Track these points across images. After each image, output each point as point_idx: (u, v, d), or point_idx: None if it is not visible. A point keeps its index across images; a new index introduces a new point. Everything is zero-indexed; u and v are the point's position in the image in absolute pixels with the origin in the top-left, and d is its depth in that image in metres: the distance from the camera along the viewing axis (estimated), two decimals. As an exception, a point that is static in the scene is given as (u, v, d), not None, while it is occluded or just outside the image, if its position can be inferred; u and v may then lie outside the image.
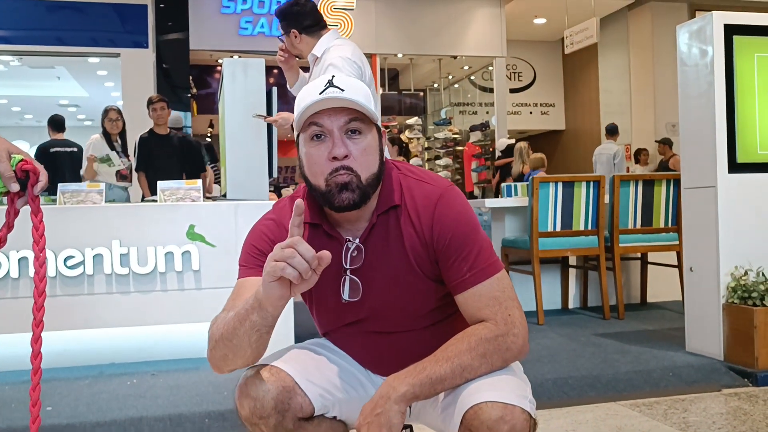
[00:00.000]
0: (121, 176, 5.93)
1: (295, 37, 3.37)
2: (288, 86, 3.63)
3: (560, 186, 4.42)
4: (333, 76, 1.48)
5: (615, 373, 3.15)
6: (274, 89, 4.33)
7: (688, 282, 3.57)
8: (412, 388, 1.43)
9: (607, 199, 4.55)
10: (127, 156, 6.02)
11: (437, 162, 11.43)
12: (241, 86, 4.11)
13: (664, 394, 3.05)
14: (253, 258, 1.60)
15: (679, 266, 4.64)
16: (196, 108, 10.73)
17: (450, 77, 12.71)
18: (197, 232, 3.50)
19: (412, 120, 11.46)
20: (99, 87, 12.52)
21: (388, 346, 1.62)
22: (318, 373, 1.60)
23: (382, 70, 10.52)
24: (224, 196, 4.37)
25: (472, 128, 11.44)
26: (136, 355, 3.60)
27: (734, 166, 3.35)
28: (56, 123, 7.03)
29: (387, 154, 1.65)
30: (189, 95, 9.16)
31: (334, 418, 1.62)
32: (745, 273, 3.29)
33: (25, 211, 1.32)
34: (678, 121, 3.66)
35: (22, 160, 1.27)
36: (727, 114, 3.34)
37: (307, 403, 1.55)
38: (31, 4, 8.45)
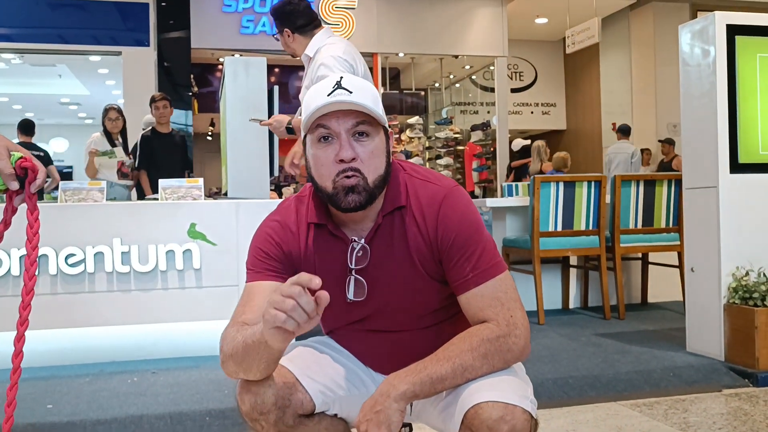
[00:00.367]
0: (123, 174, 5.92)
1: (288, 36, 3.37)
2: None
3: (561, 186, 4.42)
4: (342, 77, 1.48)
5: (615, 373, 3.14)
6: (276, 88, 4.32)
7: (689, 282, 3.57)
8: (413, 386, 1.43)
9: (608, 199, 4.55)
10: (129, 154, 6.02)
11: (438, 161, 11.42)
12: (242, 85, 4.11)
13: (664, 395, 3.05)
14: (259, 261, 1.60)
15: (680, 266, 4.64)
16: (197, 106, 10.73)
17: (451, 76, 12.71)
18: (198, 230, 3.51)
19: (413, 119, 11.45)
20: (100, 85, 12.52)
21: (390, 344, 1.62)
22: (319, 370, 1.60)
23: (383, 69, 10.52)
24: (225, 194, 4.37)
25: (473, 128, 11.43)
26: (137, 353, 3.60)
27: (736, 167, 3.34)
28: (25, 127, 7.18)
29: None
30: (190, 94, 9.17)
31: (335, 415, 1.63)
32: (746, 273, 3.28)
33: (24, 208, 1.32)
34: (679, 121, 3.66)
35: (21, 157, 1.28)
36: (729, 114, 3.34)
37: (308, 399, 1.55)
38: (32, 2, 8.45)
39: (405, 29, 10.03)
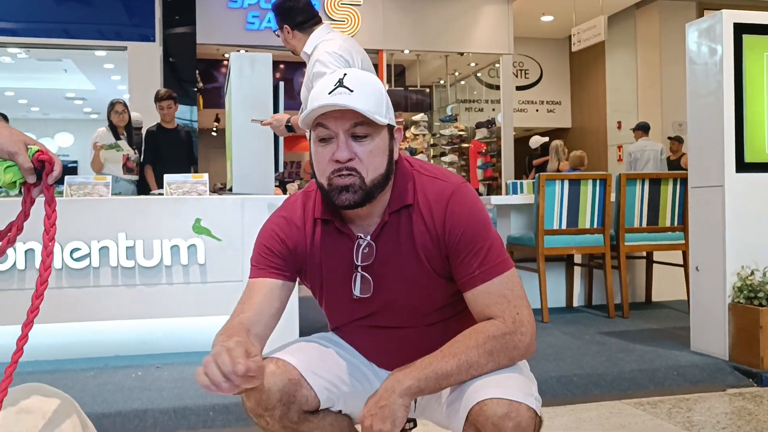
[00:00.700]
0: (128, 169, 5.93)
1: (288, 32, 3.37)
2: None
3: (566, 184, 4.41)
4: (345, 75, 1.47)
5: (619, 371, 3.14)
6: (281, 84, 4.32)
7: (694, 281, 3.57)
8: (418, 382, 1.44)
9: (613, 197, 4.55)
10: (134, 149, 6.03)
11: (442, 159, 11.41)
12: (247, 81, 4.11)
13: (668, 393, 3.05)
14: (263, 258, 1.61)
15: (685, 265, 4.63)
16: (203, 102, 10.75)
17: (456, 74, 12.69)
18: (203, 225, 3.51)
19: (418, 116, 11.44)
20: (106, 80, 12.53)
21: (396, 341, 1.62)
22: (324, 366, 1.61)
23: (388, 66, 10.51)
24: (230, 190, 4.37)
25: (478, 125, 11.42)
26: (141, 348, 3.61)
27: (742, 166, 3.33)
28: None
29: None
30: (195, 89, 9.17)
31: (339, 411, 1.63)
32: (752, 273, 3.28)
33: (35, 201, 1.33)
34: (685, 120, 3.65)
35: (38, 150, 1.29)
36: (735, 113, 3.33)
37: (313, 396, 1.56)
38: (38, -4, 8.46)
39: (410, 26, 10.02)
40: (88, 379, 3.10)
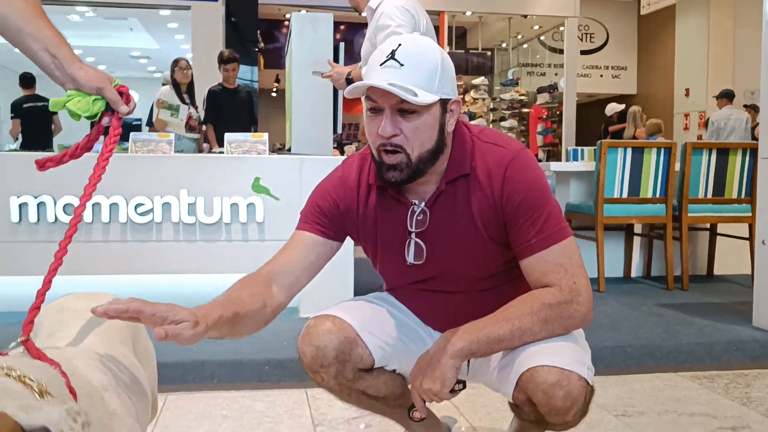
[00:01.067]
0: (190, 128, 6.04)
1: None
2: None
3: (629, 151, 4.30)
4: (399, 45, 1.44)
5: (676, 344, 3.09)
6: (341, 45, 4.31)
7: (759, 255, 3.46)
8: (469, 344, 1.44)
9: (677, 166, 4.42)
10: (196, 108, 6.13)
11: (502, 124, 11.26)
12: (308, 41, 4.11)
13: (726, 368, 2.98)
14: (312, 214, 1.63)
15: (751, 239, 4.49)
16: (263, 62, 10.79)
17: (519, 37, 12.43)
18: (262, 184, 3.56)
19: (479, 80, 11.27)
20: (169, 39, 12.72)
21: (451, 305, 1.63)
22: (379, 326, 1.63)
23: (449, 27, 10.35)
24: (289, 150, 4.41)
25: (540, 90, 11.20)
26: (201, 302, 3.70)
27: (817, 137, 3.19)
28: (26, 80, 7.64)
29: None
30: (256, 49, 9.22)
31: (393, 371, 1.65)
32: (822, 248, 3.16)
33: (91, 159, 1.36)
34: (758, 88, 3.50)
35: (117, 83, 1.35)
36: (812, 81, 3.18)
37: (368, 354, 1.58)
38: (106, -45, 8.60)
39: (473, -13, 9.83)
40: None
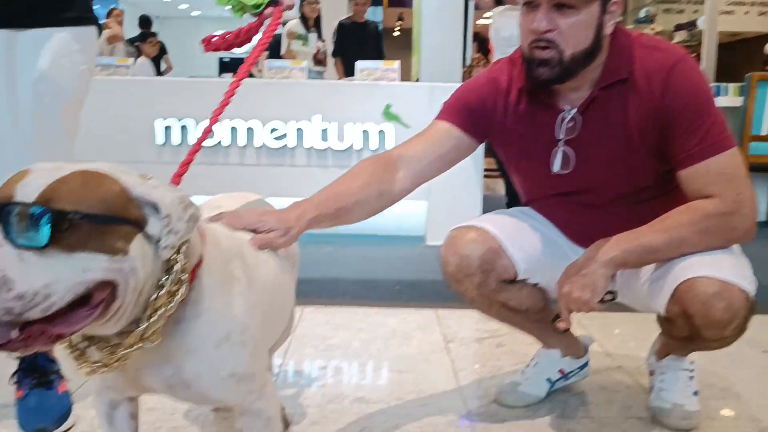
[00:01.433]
0: (317, 61, 6.12)
1: None
2: None
3: (783, 85, 3.99)
4: None
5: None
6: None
7: None
8: (623, 254, 1.40)
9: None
10: (323, 41, 6.20)
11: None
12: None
13: None
14: (456, 106, 1.61)
15: None
16: (387, 1, 10.74)
17: (656, -29, 11.69)
18: (393, 112, 3.57)
19: (610, 18, 10.75)
20: (297, -25, 12.83)
21: (596, 219, 1.58)
22: (523, 238, 1.61)
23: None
24: (417, 80, 4.39)
25: (678, 27, 10.55)
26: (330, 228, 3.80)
27: None
28: (144, 21, 8.52)
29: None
30: (381, -14, 9.16)
31: (535, 284, 1.63)
32: None
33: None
34: None
35: None
36: None
37: (511, 266, 1.57)
38: None
39: None
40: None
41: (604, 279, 1.40)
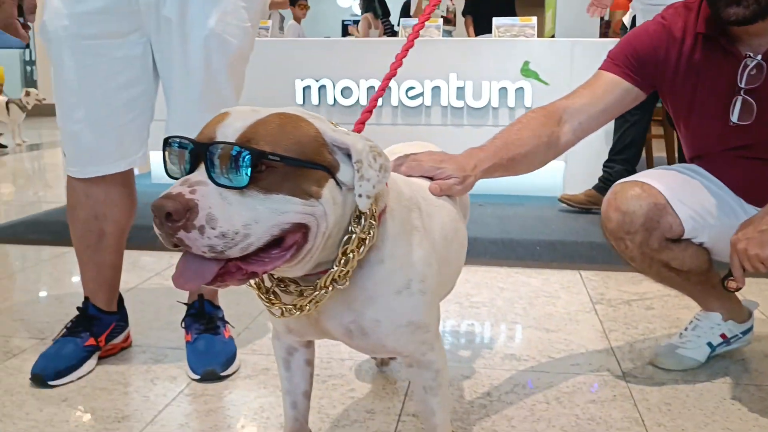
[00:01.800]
0: (446, 20, 6.05)
1: None
2: None
3: None
4: None
5: None
6: None
7: None
8: (810, 212, 1.31)
9: None
10: (452, 0, 6.11)
11: None
12: None
13: None
14: (623, 56, 1.54)
15: None
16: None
17: None
18: (531, 69, 3.48)
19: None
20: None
21: (772, 175, 1.48)
22: (690, 195, 1.53)
23: None
24: (552, 36, 4.26)
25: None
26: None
27: None
28: None
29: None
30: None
31: (701, 244, 1.56)
32: None
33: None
34: None
35: None
36: None
37: (678, 224, 1.50)
38: None
39: None
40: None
41: (785, 237, 1.31)
